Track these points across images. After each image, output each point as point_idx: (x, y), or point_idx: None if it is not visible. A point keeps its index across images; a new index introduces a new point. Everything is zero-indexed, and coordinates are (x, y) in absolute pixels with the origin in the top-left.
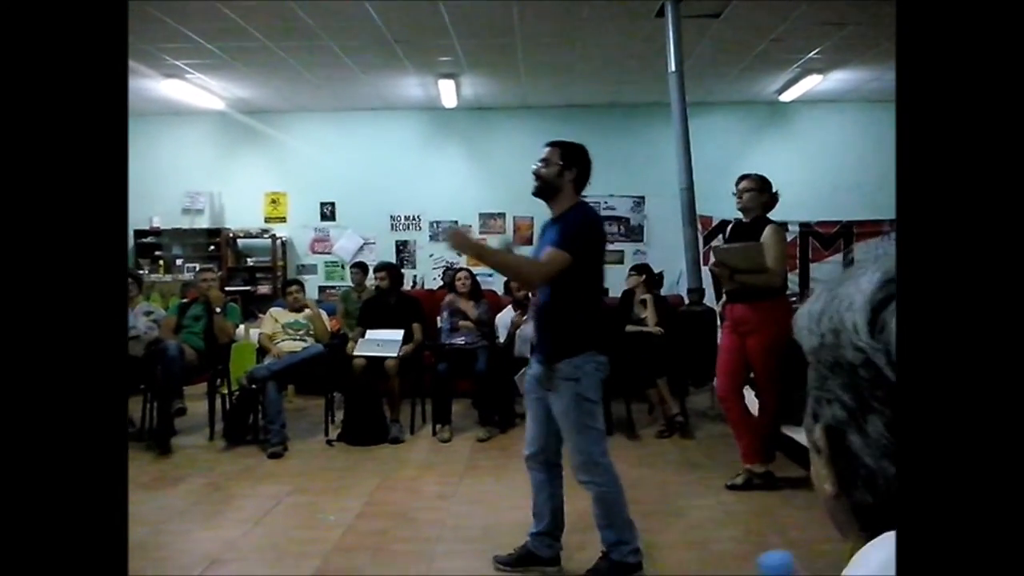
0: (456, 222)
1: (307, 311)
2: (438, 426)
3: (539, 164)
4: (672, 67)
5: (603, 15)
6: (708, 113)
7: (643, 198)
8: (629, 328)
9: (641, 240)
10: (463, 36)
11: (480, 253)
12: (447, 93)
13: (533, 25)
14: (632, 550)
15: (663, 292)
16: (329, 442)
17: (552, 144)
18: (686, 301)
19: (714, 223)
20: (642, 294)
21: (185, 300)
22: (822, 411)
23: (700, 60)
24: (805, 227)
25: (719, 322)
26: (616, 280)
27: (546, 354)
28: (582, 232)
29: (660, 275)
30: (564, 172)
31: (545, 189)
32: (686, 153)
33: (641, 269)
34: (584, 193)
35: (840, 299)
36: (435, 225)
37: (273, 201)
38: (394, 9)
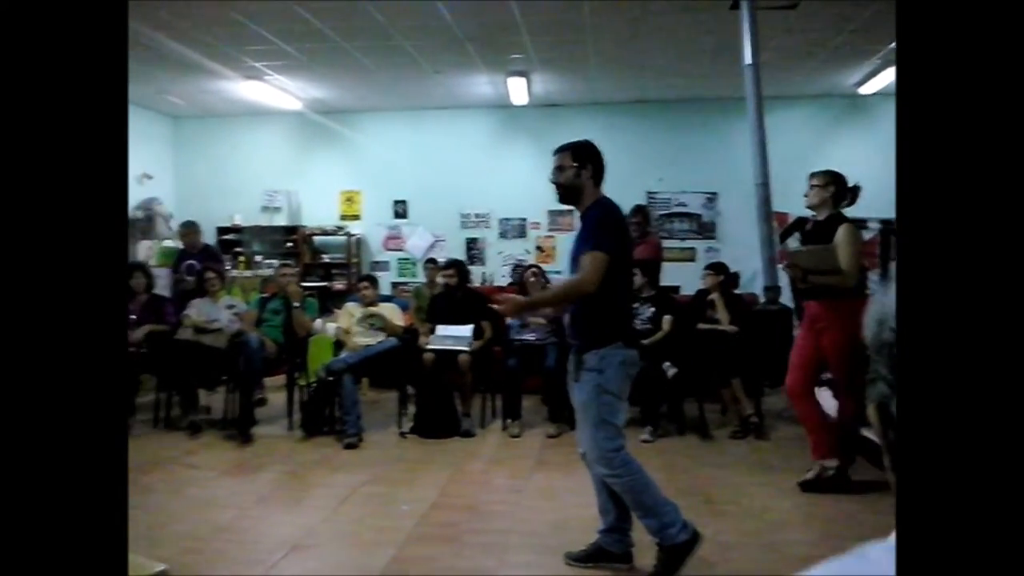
0: (524, 219)
1: (381, 306)
2: (508, 421)
3: (555, 173)
4: (747, 60)
5: (676, 8)
6: (784, 107)
7: (716, 194)
8: (702, 326)
9: (714, 237)
10: (534, 33)
11: (534, 303)
12: (517, 90)
13: (604, 20)
14: (679, 528)
15: (738, 291)
16: (402, 434)
17: (560, 150)
18: (761, 299)
19: (790, 220)
20: (715, 292)
21: (265, 295)
22: (872, 391)
23: (776, 53)
24: (886, 224)
25: (796, 320)
26: (686, 278)
27: (575, 345)
28: (606, 227)
29: (736, 274)
30: (580, 172)
31: (568, 195)
32: (761, 148)
33: (718, 268)
34: (655, 189)
35: (887, 290)
36: (504, 222)
37: (348, 199)
38: (466, 8)
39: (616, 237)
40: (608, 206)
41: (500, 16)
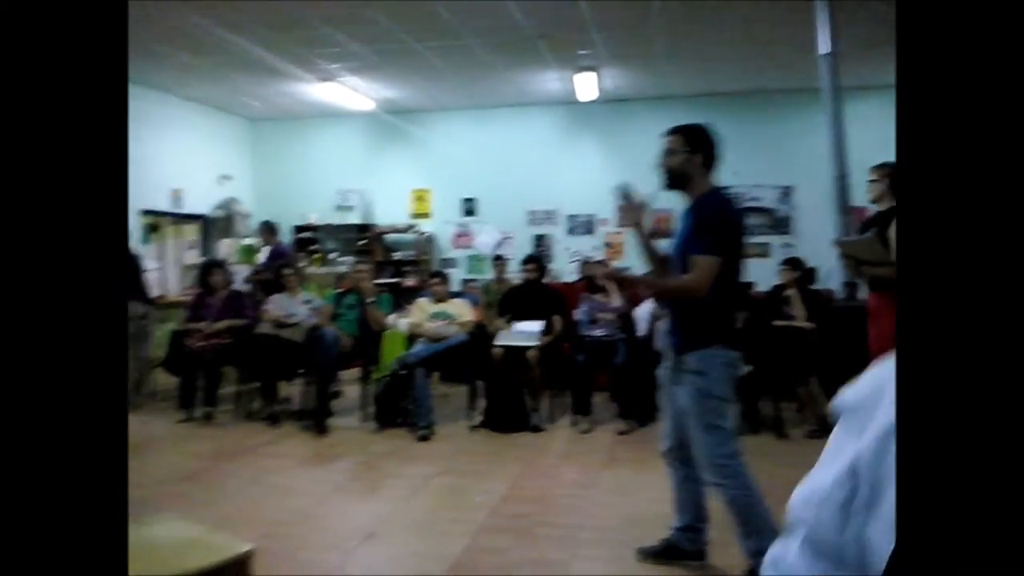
0: (593, 216)
1: (451, 301)
2: (577, 417)
3: (663, 156)
4: (824, 49)
5: None
6: (862, 98)
7: (791, 188)
8: (778, 323)
9: (788, 232)
10: (602, 28)
11: (643, 283)
12: (585, 86)
13: (674, 12)
14: None
15: (815, 286)
16: (472, 428)
17: (672, 131)
18: (839, 295)
19: (867, 214)
20: (791, 288)
21: (340, 290)
22: None
23: (853, 42)
24: None
25: None
26: (761, 274)
27: (676, 346)
28: (715, 225)
29: (813, 269)
30: (691, 157)
31: (675, 179)
32: (839, 140)
33: (794, 263)
34: (728, 183)
35: None
36: (572, 219)
37: (418, 198)
38: (534, 5)
39: (726, 236)
40: (719, 199)
41: (569, 12)
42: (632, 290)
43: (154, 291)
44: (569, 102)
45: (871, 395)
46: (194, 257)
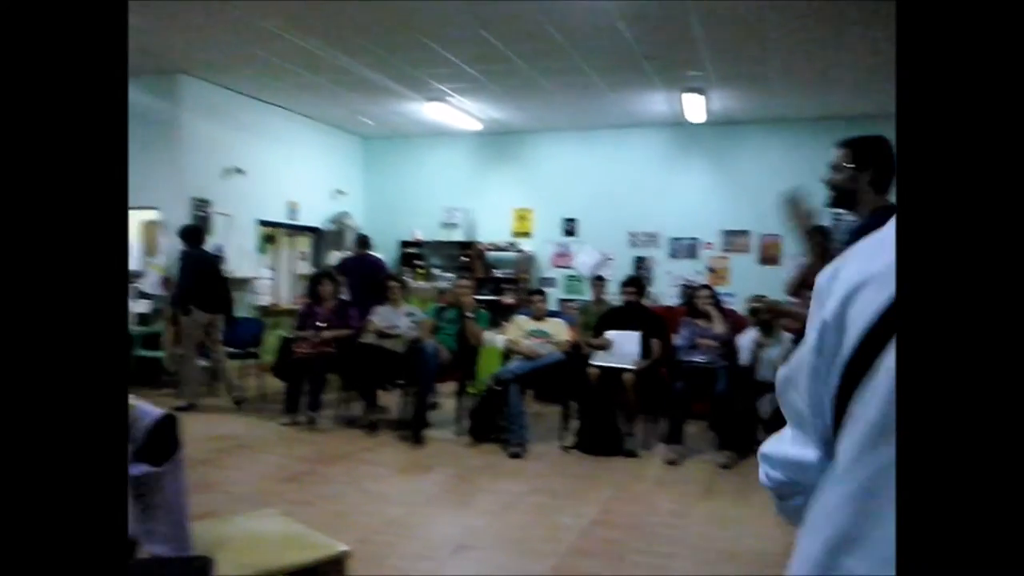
0: (696, 239)
1: (549, 320)
2: (670, 446)
3: (829, 170)
4: None
5: (871, 16)
6: None
7: None
8: None
9: None
10: (714, 49)
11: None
12: (693, 108)
13: (791, 32)
14: None
15: None
16: (565, 448)
17: (841, 144)
18: None
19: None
20: None
21: (441, 305)
22: None
23: None
24: None
25: None
26: None
27: None
28: None
29: None
30: (858, 175)
31: (840, 198)
32: None
33: None
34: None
35: None
36: (674, 242)
37: (520, 217)
38: (644, 26)
39: None
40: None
41: (680, 32)
42: (797, 323)
43: (266, 299)
44: (675, 124)
45: None
46: (305, 268)
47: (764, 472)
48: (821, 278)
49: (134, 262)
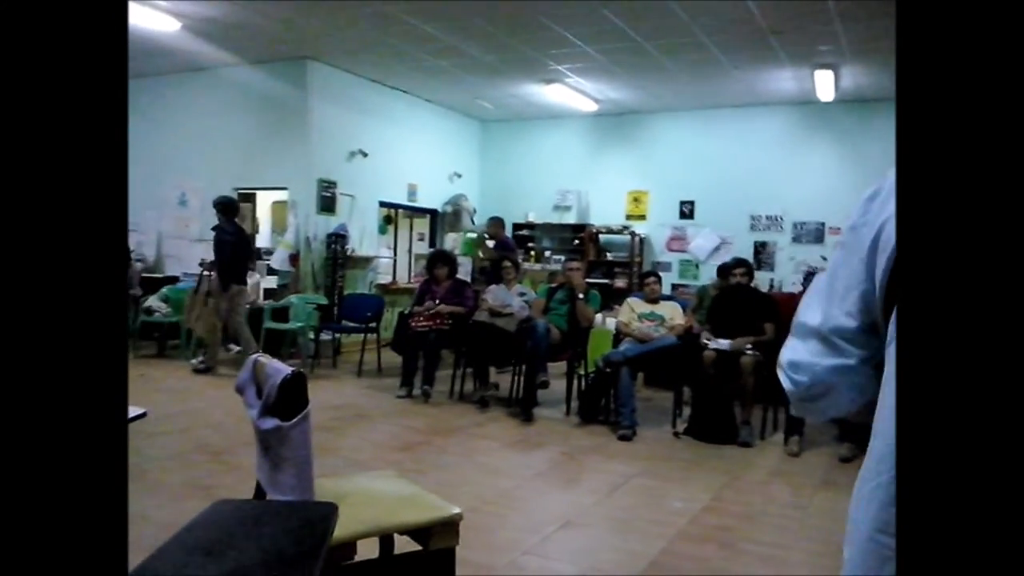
0: (823, 224)
1: (662, 303)
2: (790, 437)
3: None
4: None
5: None
6: None
7: None
8: None
9: None
10: (848, 21)
11: None
12: (824, 85)
13: None
14: None
15: None
16: (676, 434)
17: None
18: None
19: None
20: None
21: (553, 285)
22: None
23: None
24: None
25: None
26: None
27: None
28: None
29: None
30: None
31: None
32: None
33: None
34: None
35: None
36: (799, 226)
37: (635, 199)
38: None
39: None
40: None
41: (810, 5)
42: None
43: (386, 278)
44: (802, 102)
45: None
46: (423, 248)
47: (789, 378)
48: (875, 190)
49: (264, 240)
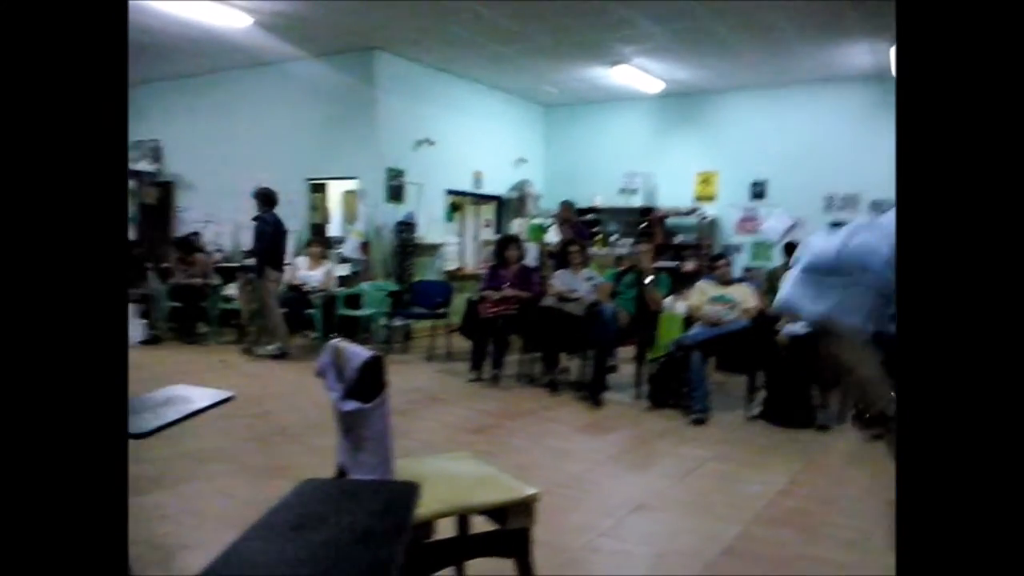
0: None
1: (734, 286)
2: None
3: None
4: None
5: None
6: None
7: None
8: None
9: None
10: None
11: None
12: None
13: None
14: None
15: None
16: (750, 418)
17: None
18: None
19: None
20: None
21: (620, 269)
22: None
23: None
24: None
25: None
26: None
27: None
28: None
29: None
30: None
31: None
32: None
33: None
34: None
35: None
36: (877, 205)
37: (703, 180)
38: None
39: None
40: None
41: None
42: None
43: (453, 264)
44: (879, 76)
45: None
46: (489, 234)
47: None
48: None
49: (335, 228)
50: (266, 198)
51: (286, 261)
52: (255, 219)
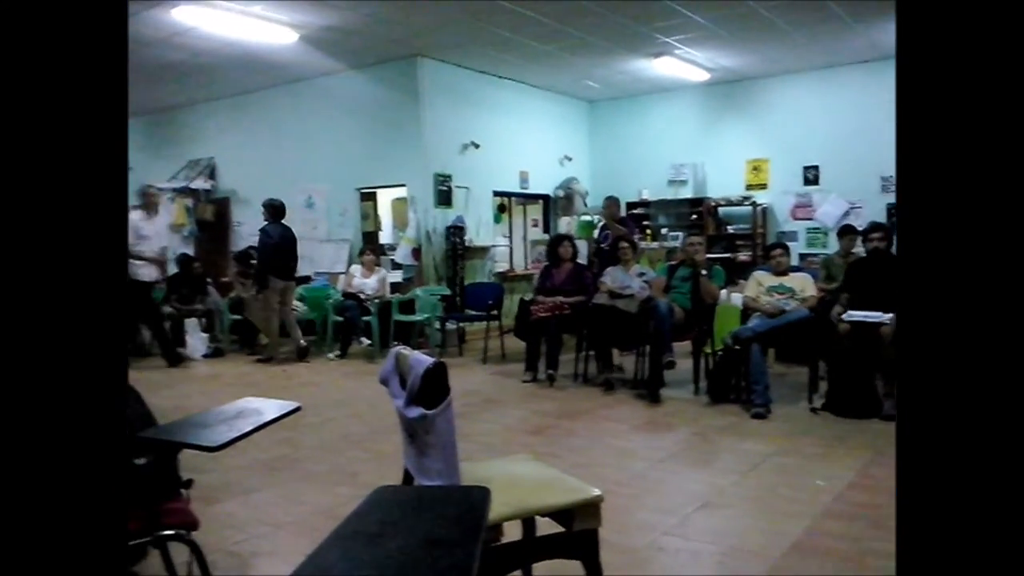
0: None
1: (792, 275)
2: None
3: None
4: None
5: None
6: None
7: None
8: None
9: None
10: None
11: None
12: None
13: None
14: None
15: None
16: (813, 410)
17: None
18: None
19: None
20: None
21: (673, 263)
22: None
23: None
24: None
25: None
26: None
27: None
28: None
29: None
30: None
31: None
32: None
33: None
34: None
35: None
36: None
37: (754, 168)
38: None
39: None
40: None
41: None
42: None
43: (503, 265)
44: None
45: None
46: (537, 234)
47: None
48: None
49: (387, 236)
50: (273, 209)
51: (331, 269)
52: (260, 231)
